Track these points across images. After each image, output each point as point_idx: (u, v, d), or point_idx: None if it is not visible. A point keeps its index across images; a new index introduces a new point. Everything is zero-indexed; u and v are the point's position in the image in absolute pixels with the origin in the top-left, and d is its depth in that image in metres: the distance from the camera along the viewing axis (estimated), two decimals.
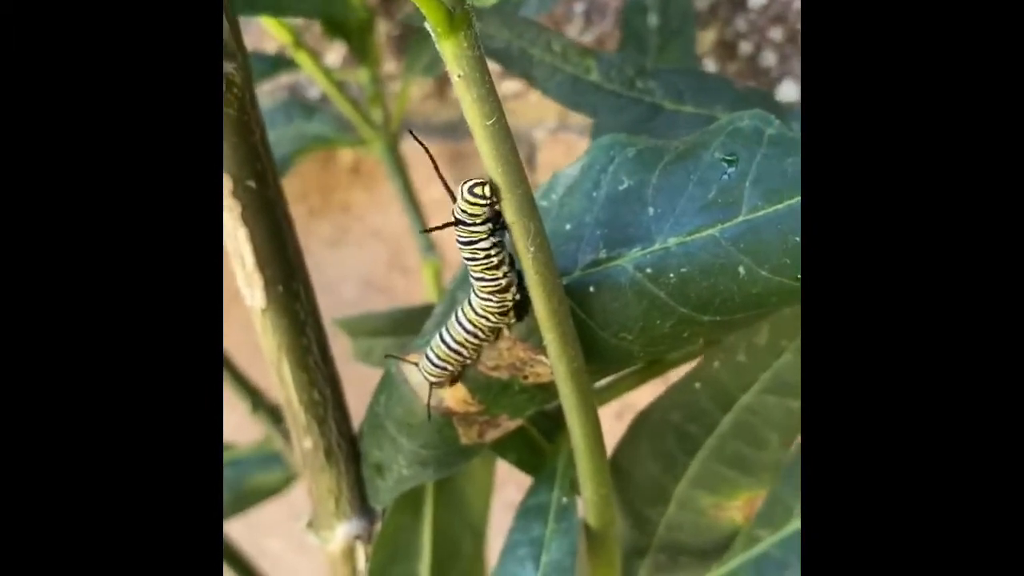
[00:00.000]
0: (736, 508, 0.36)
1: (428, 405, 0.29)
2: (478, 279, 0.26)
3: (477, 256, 0.26)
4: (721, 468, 0.35)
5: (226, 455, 0.54)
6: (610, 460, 0.36)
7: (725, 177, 0.26)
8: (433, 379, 0.29)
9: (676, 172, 0.27)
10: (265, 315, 0.31)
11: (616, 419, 0.41)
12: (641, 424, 0.36)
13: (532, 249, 0.25)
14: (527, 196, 0.25)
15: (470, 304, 0.27)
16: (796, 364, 0.34)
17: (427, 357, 0.29)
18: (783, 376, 0.34)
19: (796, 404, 0.34)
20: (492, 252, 0.26)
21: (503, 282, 0.26)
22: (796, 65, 0.42)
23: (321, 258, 0.64)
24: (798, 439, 0.35)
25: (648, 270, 0.26)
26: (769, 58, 0.42)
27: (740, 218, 0.26)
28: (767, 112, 0.26)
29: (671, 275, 0.26)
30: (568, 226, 0.28)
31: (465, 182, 0.25)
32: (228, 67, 0.27)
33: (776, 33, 0.42)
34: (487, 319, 0.27)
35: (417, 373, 0.31)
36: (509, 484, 0.40)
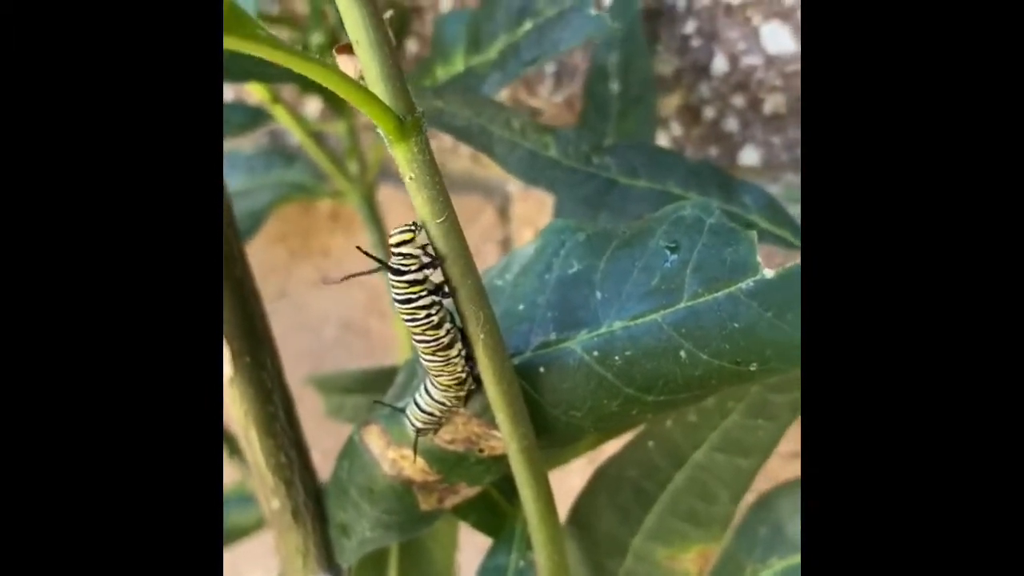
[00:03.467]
0: (690, 560, 0.37)
1: (415, 450, 0.30)
2: (420, 340, 0.26)
3: (417, 316, 0.25)
4: (675, 522, 0.36)
5: None
6: (570, 512, 0.37)
7: (668, 264, 0.27)
8: (420, 426, 0.29)
9: (622, 258, 0.28)
10: (233, 384, 0.32)
11: (589, 463, 0.42)
12: (599, 479, 0.37)
13: (482, 336, 0.26)
14: (477, 286, 0.26)
15: (426, 383, 0.28)
16: (743, 424, 0.34)
17: (415, 404, 0.29)
18: (731, 435, 0.35)
19: (744, 462, 0.35)
20: (432, 311, 0.25)
21: (445, 340, 0.26)
22: (757, 131, 0.43)
23: (302, 299, 0.64)
24: (746, 496, 0.36)
25: (595, 352, 0.27)
26: (731, 124, 0.43)
27: (681, 304, 0.26)
28: (709, 199, 0.27)
29: (616, 358, 0.27)
30: (521, 306, 0.29)
31: (393, 230, 0.25)
32: None
33: (738, 100, 0.43)
34: (445, 393, 0.28)
35: (377, 442, 0.31)
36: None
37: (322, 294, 0.64)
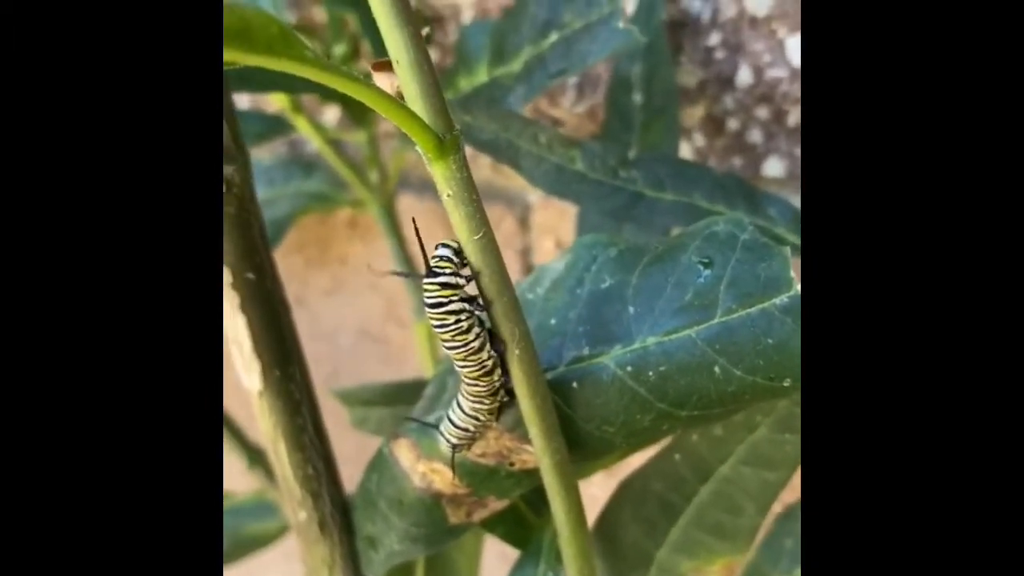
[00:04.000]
0: (715, 573, 0.37)
1: (453, 467, 0.30)
2: (450, 347, 0.26)
3: (447, 322, 0.25)
4: (700, 534, 0.36)
5: (225, 503, 0.55)
6: (596, 525, 0.37)
7: (701, 280, 0.27)
8: (455, 442, 0.29)
9: (655, 273, 0.28)
10: (262, 398, 0.32)
11: (607, 474, 0.42)
12: (625, 491, 0.37)
13: (517, 352, 0.26)
14: (512, 302, 0.26)
15: (458, 398, 0.28)
16: (771, 438, 0.34)
17: (448, 420, 0.29)
18: (759, 449, 0.35)
19: (771, 475, 0.35)
20: (462, 317, 0.25)
21: (475, 344, 0.26)
22: (781, 143, 0.43)
23: (319, 308, 0.64)
24: (773, 508, 0.36)
25: (628, 368, 0.27)
26: (756, 135, 0.43)
27: (715, 320, 0.26)
28: (740, 215, 0.27)
29: (650, 373, 0.27)
30: (553, 321, 0.29)
31: (437, 245, 0.25)
32: (228, 170, 0.28)
33: (763, 112, 0.43)
34: (477, 405, 0.28)
35: (407, 455, 0.31)
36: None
37: (339, 302, 0.64)
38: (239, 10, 0.16)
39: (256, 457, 0.48)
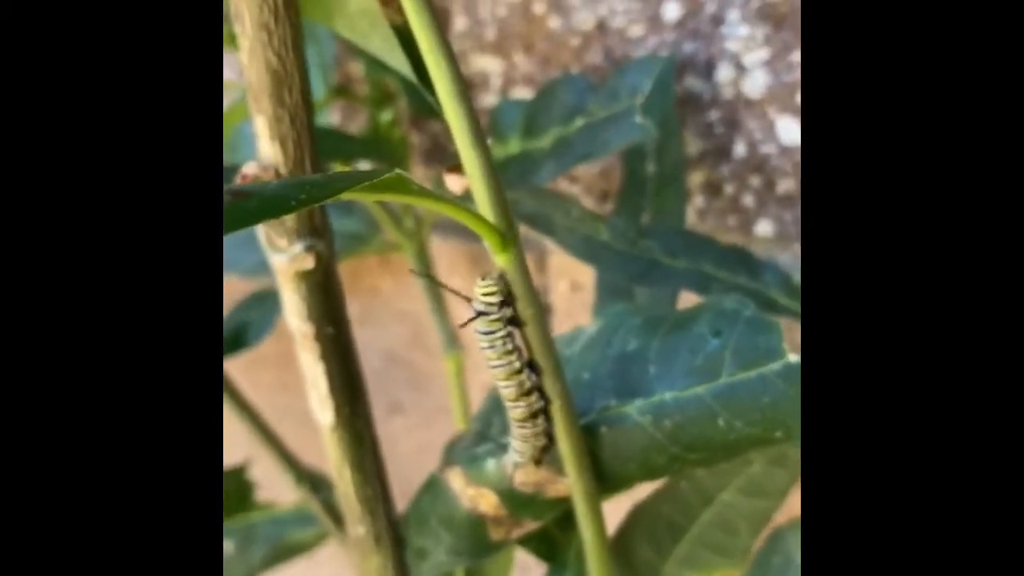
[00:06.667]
0: None
1: (512, 482, 0.34)
2: (495, 367, 0.30)
3: (495, 344, 0.30)
4: (702, 551, 0.41)
5: (267, 513, 0.60)
6: (612, 542, 0.42)
7: (710, 347, 0.32)
8: (525, 459, 0.33)
9: (672, 340, 0.33)
10: (334, 432, 0.37)
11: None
12: (638, 514, 0.42)
13: (558, 402, 0.31)
14: (556, 366, 0.31)
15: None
16: (764, 471, 0.39)
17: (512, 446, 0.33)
18: (753, 480, 0.40)
19: (763, 503, 0.40)
20: (506, 338, 0.30)
21: (516, 364, 0.30)
22: (771, 208, 0.48)
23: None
24: (764, 531, 0.41)
25: (649, 417, 0.32)
26: (748, 200, 0.49)
27: (721, 380, 0.31)
28: (744, 297, 0.32)
29: (667, 422, 0.32)
30: (586, 375, 0.34)
31: (481, 277, 0.29)
32: (318, 245, 0.33)
33: (755, 180, 0.48)
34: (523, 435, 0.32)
35: (458, 481, 0.37)
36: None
37: (368, 330, 0.69)
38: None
39: (303, 477, 0.53)
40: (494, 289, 0.29)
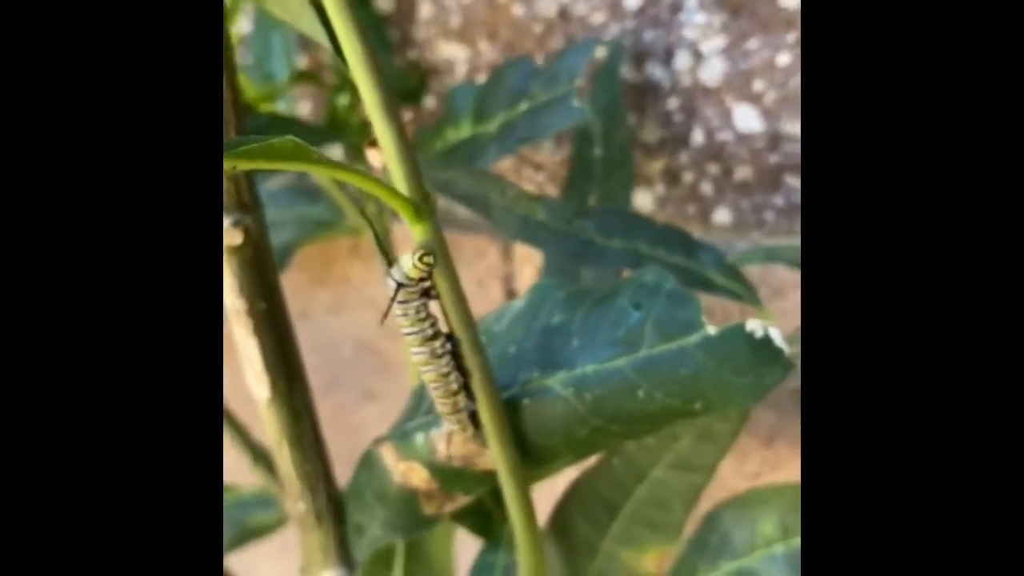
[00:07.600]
0: (650, 560, 0.42)
1: (449, 455, 0.35)
2: (408, 334, 0.30)
3: (408, 313, 0.30)
4: (637, 528, 0.41)
5: (230, 496, 0.60)
6: (549, 519, 0.42)
7: (631, 320, 0.32)
8: (457, 427, 0.33)
9: (595, 313, 0.33)
10: (270, 406, 0.37)
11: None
12: (573, 491, 0.42)
13: (478, 376, 0.32)
14: (475, 342, 0.31)
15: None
16: (692, 447, 0.39)
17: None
18: (683, 455, 0.40)
19: (694, 478, 0.40)
20: (420, 307, 0.30)
21: (430, 331, 0.31)
22: (729, 195, 0.48)
23: (321, 322, 0.70)
24: (701, 505, 0.41)
25: (571, 389, 0.32)
26: (707, 188, 0.49)
27: (641, 353, 0.32)
28: (664, 269, 0.33)
29: (588, 394, 0.32)
30: (512, 349, 0.34)
31: (415, 251, 0.29)
32: (246, 220, 0.34)
33: (713, 168, 0.48)
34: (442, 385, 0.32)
35: (390, 456, 0.37)
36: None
37: (339, 318, 0.69)
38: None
39: (259, 456, 0.53)
40: (424, 265, 0.29)
